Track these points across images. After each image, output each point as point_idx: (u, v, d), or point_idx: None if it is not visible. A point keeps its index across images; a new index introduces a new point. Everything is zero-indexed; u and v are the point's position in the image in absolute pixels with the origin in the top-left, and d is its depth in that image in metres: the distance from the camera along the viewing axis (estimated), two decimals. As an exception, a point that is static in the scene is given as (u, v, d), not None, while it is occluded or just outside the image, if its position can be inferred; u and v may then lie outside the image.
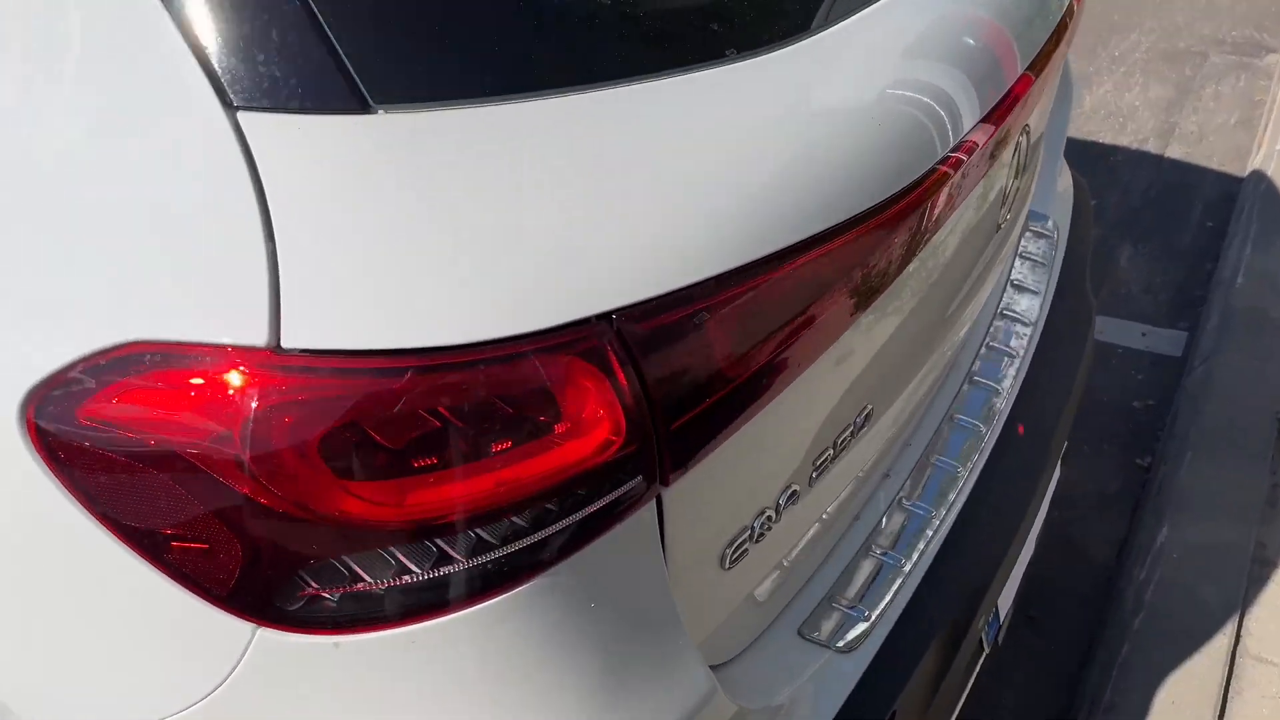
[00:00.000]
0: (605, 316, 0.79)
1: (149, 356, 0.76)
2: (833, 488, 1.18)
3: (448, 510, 0.77)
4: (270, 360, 0.74)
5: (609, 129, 0.85)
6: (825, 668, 1.18)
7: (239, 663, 0.80)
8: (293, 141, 0.78)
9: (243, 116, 0.78)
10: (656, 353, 0.81)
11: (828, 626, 1.22)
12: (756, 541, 1.03)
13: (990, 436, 1.51)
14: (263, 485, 0.74)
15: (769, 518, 1.04)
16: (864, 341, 1.08)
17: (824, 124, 0.96)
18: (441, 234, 0.77)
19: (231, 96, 0.78)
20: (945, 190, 1.09)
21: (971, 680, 1.47)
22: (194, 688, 0.82)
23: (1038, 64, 1.34)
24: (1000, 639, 1.55)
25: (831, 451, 1.11)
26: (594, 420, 0.80)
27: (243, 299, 0.75)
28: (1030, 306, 1.76)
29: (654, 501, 0.87)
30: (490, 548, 0.80)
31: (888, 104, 1.03)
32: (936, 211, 1.10)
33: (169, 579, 0.78)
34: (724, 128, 0.90)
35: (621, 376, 0.80)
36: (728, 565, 1.00)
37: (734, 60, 0.93)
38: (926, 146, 1.05)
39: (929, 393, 1.47)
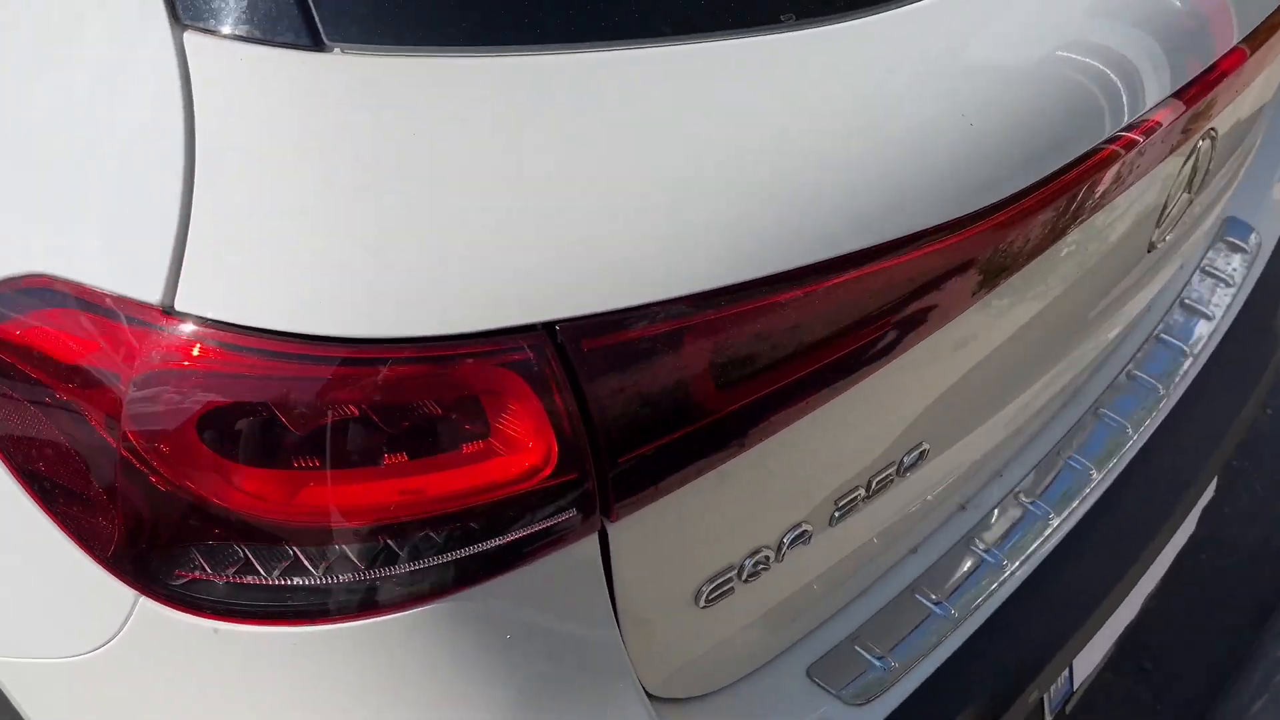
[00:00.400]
0: (549, 327, 0.67)
1: (52, 294, 0.70)
2: (868, 526, 1.03)
3: (337, 515, 0.68)
4: (159, 320, 0.66)
5: (601, 100, 0.71)
6: (827, 717, 1.05)
7: (121, 628, 0.75)
8: (235, 73, 0.69)
9: (189, 37, 0.69)
10: (606, 376, 0.69)
11: (843, 672, 1.09)
12: (748, 580, 0.91)
13: (1102, 482, 1.30)
14: (138, 453, 0.67)
15: (765, 558, 0.90)
16: (918, 379, 0.92)
17: (898, 109, 0.80)
18: (374, 207, 0.67)
19: (181, 11, 0.69)
20: (1055, 205, 0.90)
21: (1020, 750, 1.30)
22: (80, 640, 0.78)
23: (1259, 35, 1.10)
24: (1070, 708, 1.37)
25: (864, 492, 0.96)
26: (520, 442, 0.69)
27: (146, 247, 0.67)
28: (1199, 334, 1.52)
29: (597, 534, 0.76)
30: (395, 560, 0.71)
31: (996, 87, 0.84)
32: (1043, 232, 0.91)
33: (59, 528, 0.74)
34: (764, 107, 0.75)
35: (558, 398, 0.68)
36: (704, 604, 0.88)
37: (789, 28, 0.77)
38: (1044, 148, 0.86)
39: (1034, 422, 1.28)
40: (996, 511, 1.25)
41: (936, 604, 1.15)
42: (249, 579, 0.71)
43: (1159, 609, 1.90)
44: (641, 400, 0.71)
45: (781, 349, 0.75)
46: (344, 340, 0.65)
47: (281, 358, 0.65)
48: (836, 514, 0.94)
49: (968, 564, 1.19)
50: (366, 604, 0.72)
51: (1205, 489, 1.47)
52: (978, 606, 1.16)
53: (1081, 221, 0.95)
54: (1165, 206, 1.13)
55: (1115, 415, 1.36)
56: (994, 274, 0.89)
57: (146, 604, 0.73)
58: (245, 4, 0.68)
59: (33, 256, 0.70)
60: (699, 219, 0.71)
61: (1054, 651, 1.18)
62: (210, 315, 0.65)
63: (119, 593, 0.74)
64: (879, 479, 0.96)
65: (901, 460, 0.98)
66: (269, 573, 0.71)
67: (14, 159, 0.72)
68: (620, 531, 0.77)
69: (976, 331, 0.95)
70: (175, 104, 0.68)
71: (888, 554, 1.16)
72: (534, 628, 0.78)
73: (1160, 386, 1.41)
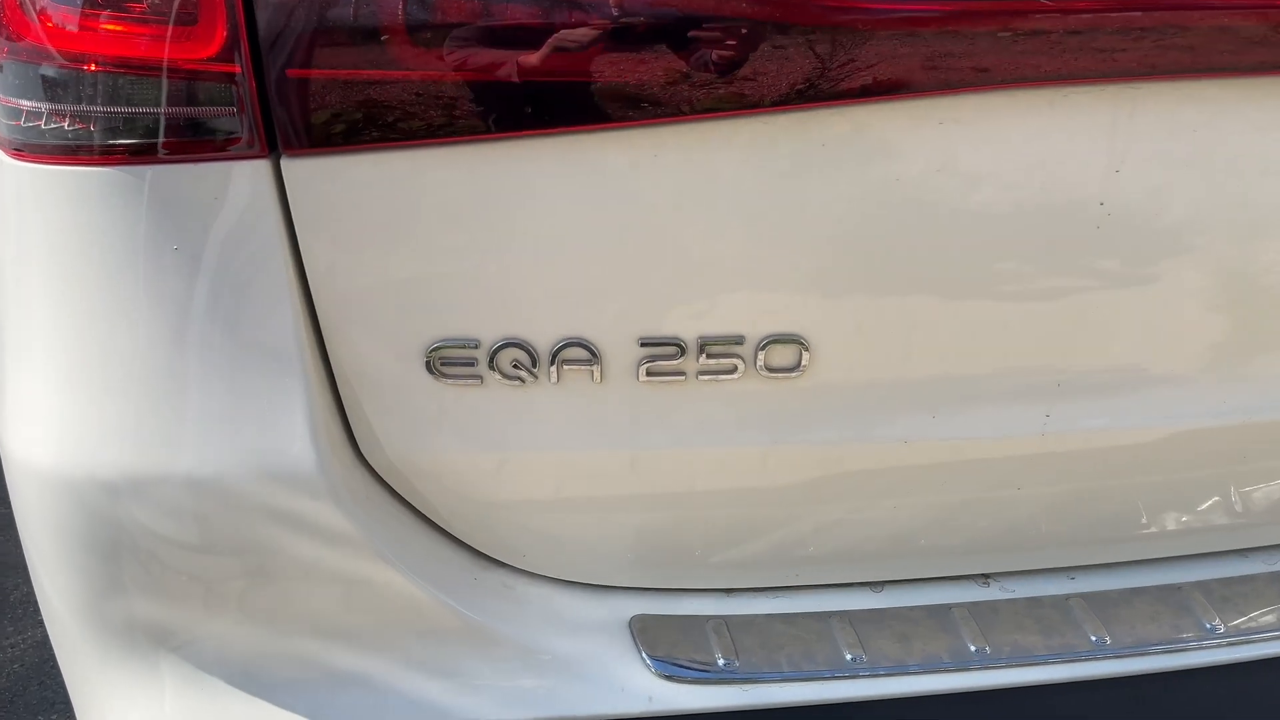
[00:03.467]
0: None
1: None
2: (726, 429, 0.81)
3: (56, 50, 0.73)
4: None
5: None
6: (607, 664, 0.83)
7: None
8: None
9: None
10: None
11: (672, 643, 0.85)
12: (505, 382, 0.77)
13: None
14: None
15: (526, 365, 0.77)
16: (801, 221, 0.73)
17: None
18: None
19: None
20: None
21: None
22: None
23: None
24: None
25: (683, 354, 0.77)
26: (187, 12, 0.70)
27: None
28: None
29: (273, 179, 0.72)
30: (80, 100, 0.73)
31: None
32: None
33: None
34: None
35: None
36: (438, 372, 0.77)
37: None
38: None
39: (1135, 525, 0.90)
40: (1028, 609, 0.89)
41: (848, 645, 0.85)
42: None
43: None
44: (320, 18, 0.68)
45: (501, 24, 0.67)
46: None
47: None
48: (646, 363, 0.77)
49: (935, 631, 0.87)
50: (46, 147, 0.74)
51: None
52: (908, 675, 0.84)
53: None
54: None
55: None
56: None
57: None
58: None
59: None
60: None
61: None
62: None
63: None
64: (715, 350, 0.77)
65: (760, 345, 0.77)
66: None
67: None
68: (299, 175, 0.72)
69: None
70: None
71: (822, 565, 0.89)
72: (205, 246, 0.73)
73: None
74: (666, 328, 0.76)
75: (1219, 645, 0.86)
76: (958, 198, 0.73)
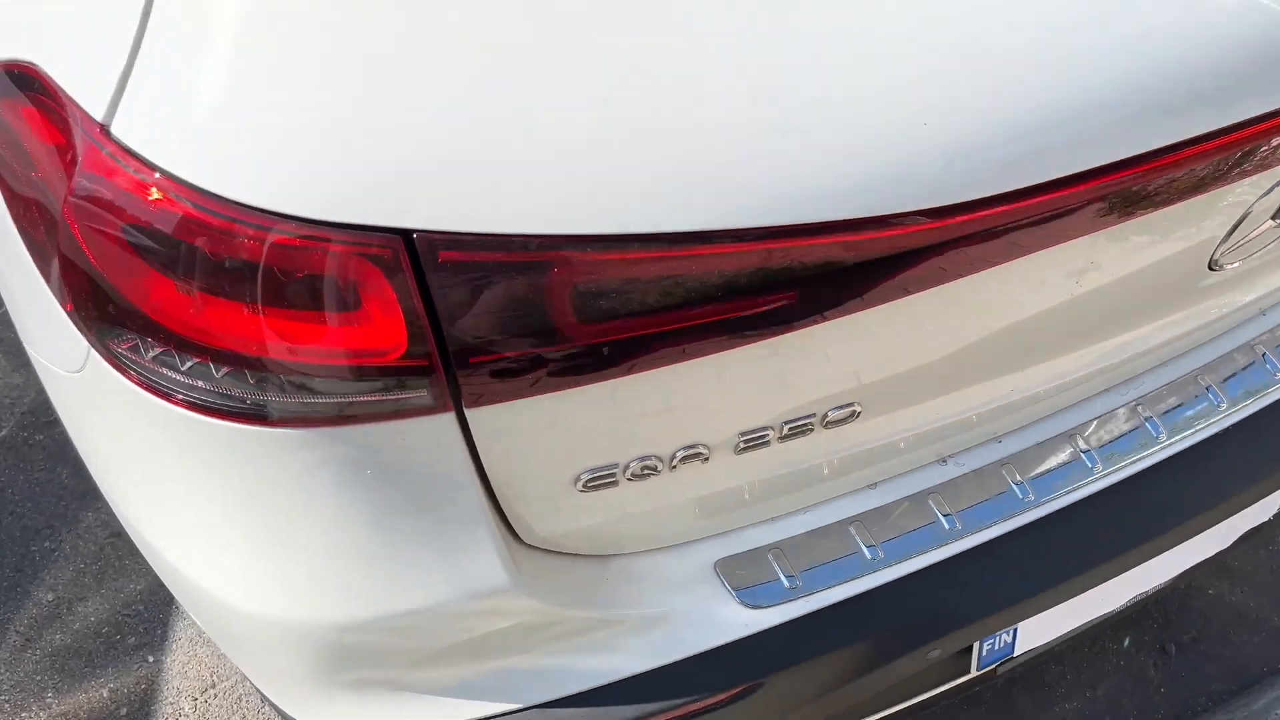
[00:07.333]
0: (407, 234, 0.73)
1: (38, 83, 0.80)
2: (795, 460, 1.06)
3: (217, 338, 0.78)
4: (98, 138, 0.76)
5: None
6: (709, 606, 1.13)
7: (85, 364, 0.89)
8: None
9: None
10: (457, 287, 0.75)
11: (748, 574, 1.15)
12: (634, 480, 0.97)
13: (1108, 474, 1.25)
14: (74, 239, 0.79)
15: (654, 466, 0.96)
16: (847, 349, 0.92)
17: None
18: (302, 87, 0.73)
19: None
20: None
21: (928, 693, 1.34)
22: (67, 361, 0.92)
23: None
24: (1003, 669, 1.38)
25: (774, 434, 0.98)
26: (372, 323, 0.76)
27: (102, 60, 0.76)
28: None
29: (455, 416, 0.83)
30: (261, 388, 0.80)
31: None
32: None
33: (39, 273, 0.88)
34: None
35: (415, 294, 0.75)
36: (583, 489, 0.96)
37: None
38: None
39: (1044, 404, 1.23)
40: (977, 477, 1.23)
41: (868, 545, 1.18)
42: (161, 369, 0.83)
43: (1219, 593, 1.83)
44: (491, 314, 0.76)
45: (648, 300, 0.78)
46: (241, 204, 0.73)
47: (186, 203, 0.74)
48: (742, 445, 0.98)
49: (919, 517, 1.20)
50: (238, 412, 0.82)
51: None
52: (911, 557, 1.18)
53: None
54: (1238, 225, 1.03)
55: (1152, 412, 1.29)
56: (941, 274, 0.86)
57: (94, 356, 0.87)
58: None
59: (24, 46, 0.80)
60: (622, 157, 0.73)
61: (999, 609, 1.19)
62: (136, 148, 0.74)
63: (78, 338, 0.88)
64: (793, 426, 0.98)
65: (826, 414, 0.99)
66: (175, 368, 0.82)
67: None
68: (480, 415, 0.84)
69: (934, 312, 0.94)
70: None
71: (836, 482, 1.18)
72: (400, 469, 0.86)
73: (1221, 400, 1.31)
74: (760, 423, 0.97)
75: (1103, 476, 1.24)
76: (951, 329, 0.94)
